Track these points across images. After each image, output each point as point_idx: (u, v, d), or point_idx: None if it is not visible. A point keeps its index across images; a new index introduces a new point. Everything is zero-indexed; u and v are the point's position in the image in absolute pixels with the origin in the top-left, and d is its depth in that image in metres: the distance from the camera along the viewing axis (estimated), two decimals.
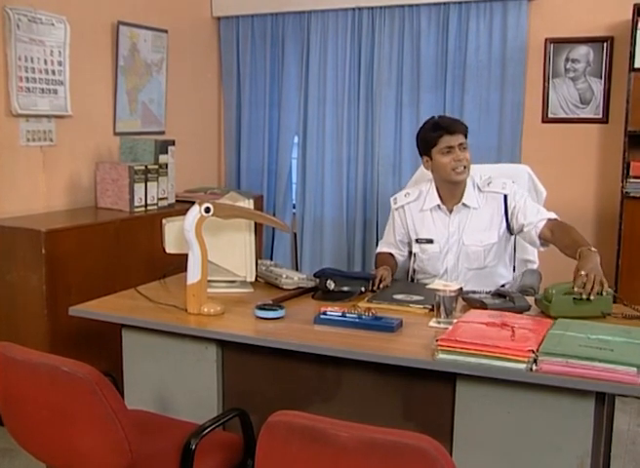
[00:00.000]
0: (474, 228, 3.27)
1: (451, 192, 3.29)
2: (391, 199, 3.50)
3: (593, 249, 2.81)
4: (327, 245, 5.59)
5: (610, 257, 4.64)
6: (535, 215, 3.18)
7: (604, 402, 2.17)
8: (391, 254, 3.46)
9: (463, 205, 3.28)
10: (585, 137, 4.92)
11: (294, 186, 5.78)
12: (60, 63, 4.21)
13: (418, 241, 3.37)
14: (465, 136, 3.22)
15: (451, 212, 3.30)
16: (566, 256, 2.96)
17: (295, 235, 5.75)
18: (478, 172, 3.36)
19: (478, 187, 3.29)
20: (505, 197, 3.24)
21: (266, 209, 5.72)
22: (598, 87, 4.85)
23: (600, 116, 4.87)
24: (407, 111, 5.26)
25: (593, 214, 4.95)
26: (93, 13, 4.51)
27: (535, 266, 3.59)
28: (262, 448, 1.78)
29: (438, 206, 3.32)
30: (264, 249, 5.77)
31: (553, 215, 3.21)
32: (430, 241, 3.33)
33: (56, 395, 2.05)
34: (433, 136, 3.22)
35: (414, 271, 3.47)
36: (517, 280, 3.31)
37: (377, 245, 5.35)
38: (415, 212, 3.38)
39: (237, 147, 5.88)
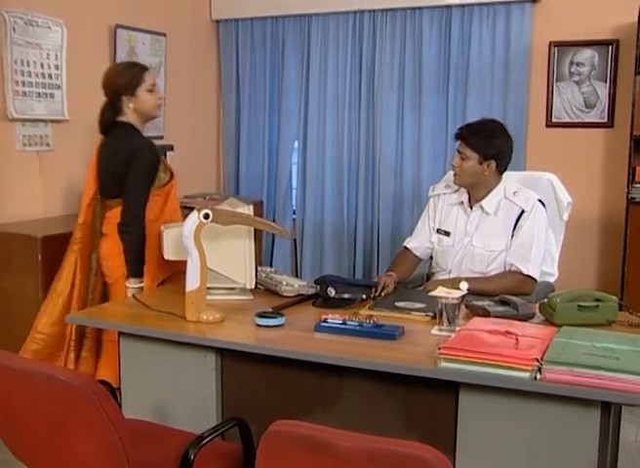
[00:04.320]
0: (486, 233, 3.32)
1: (471, 192, 3.39)
2: (430, 188, 3.62)
3: (463, 284, 2.97)
4: (327, 251, 5.60)
5: (615, 264, 4.65)
6: (517, 253, 3.24)
7: (610, 412, 2.17)
8: (412, 252, 3.53)
9: (481, 208, 3.34)
10: (590, 142, 4.93)
11: (294, 192, 5.79)
12: (56, 67, 4.22)
13: (438, 231, 3.48)
14: (472, 146, 3.25)
15: (472, 209, 3.38)
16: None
17: (295, 241, 5.76)
18: (512, 179, 3.44)
19: (505, 194, 3.32)
20: (522, 212, 3.27)
21: (266, 215, 5.72)
22: (603, 90, 4.86)
23: (605, 120, 4.88)
24: (409, 116, 5.28)
25: (598, 219, 4.96)
26: (90, 16, 4.52)
27: (552, 279, 3.60)
28: (262, 459, 1.77)
29: (462, 202, 3.42)
30: (264, 255, 5.78)
31: (525, 271, 3.22)
32: (447, 233, 3.43)
33: (52, 404, 2.05)
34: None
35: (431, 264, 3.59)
36: None
37: (378, 251, 5.45)
38: (446, 203, 3.49)
39: (236, 152, 5.89)
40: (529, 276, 3.22)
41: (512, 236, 3.27)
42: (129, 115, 3.35)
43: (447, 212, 3.47)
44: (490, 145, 3.26)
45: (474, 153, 3.25)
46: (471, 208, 3.38)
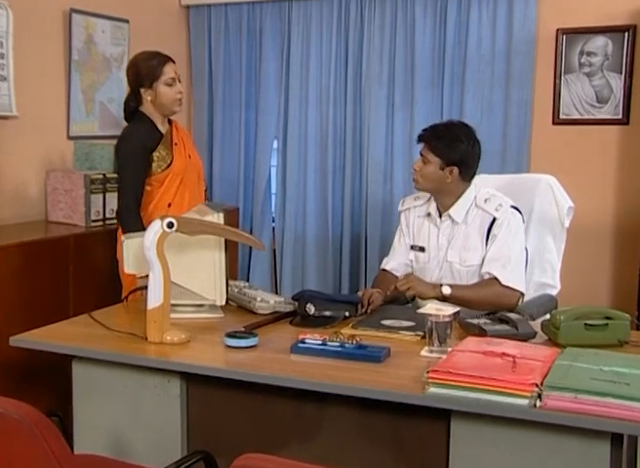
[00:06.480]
0: (460, 245, 3.36)
1: (437, 200, 3.43)
2: (400, 201, 3.66)
3: (446, 288, 3.15)
4: (310, 263, 5.59)
5: (631, 278, 4.65)
6: (491, 262, 3.25)
7: (622, 444, 2.16)
8: (392, 274, 3.52)
9: (450, 217, 3.37)
10: (603, 141, 4.93)
11: (273, 197, 5.79)
12: (2, 56, 4.19)
13: (412, 247, 3.50)
14: (434, 150, 3.30)
15: (441, 219, 3.41)
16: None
17: (274, 252, 5.75)
18: (489, 183, 3.48)
19: (476, 202, 3.34)
20: (493, 220, 3.28)
21: (242, 222, 5.71)
22: (617, 83, 4.87)
23: (620, 116, 4.89)
24: (399, 112, 5.28)
25: (612, 227, 4.96)
26: None
27: (554, 292, 3.60)
28: None
29: (429, 214, 3.45)
30: (240, 268, 5.76)
31: (503, 280, 3.21)
32: (422, 249, 3.46)
33: None
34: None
35: None
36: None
37: (365, 263, 5.45)
38: (416, 216, 3.52)
39: (209, 153, 5.87)
40: (508, 287, 3.22)
41: (487, 244, 3.29)
42: (148, 107, 3.69)
43: (419, 225, 3.50)
44: (453, 150, 3.29)
45: (436, 157, 3.29)
46: (441, 218, 3.40)
